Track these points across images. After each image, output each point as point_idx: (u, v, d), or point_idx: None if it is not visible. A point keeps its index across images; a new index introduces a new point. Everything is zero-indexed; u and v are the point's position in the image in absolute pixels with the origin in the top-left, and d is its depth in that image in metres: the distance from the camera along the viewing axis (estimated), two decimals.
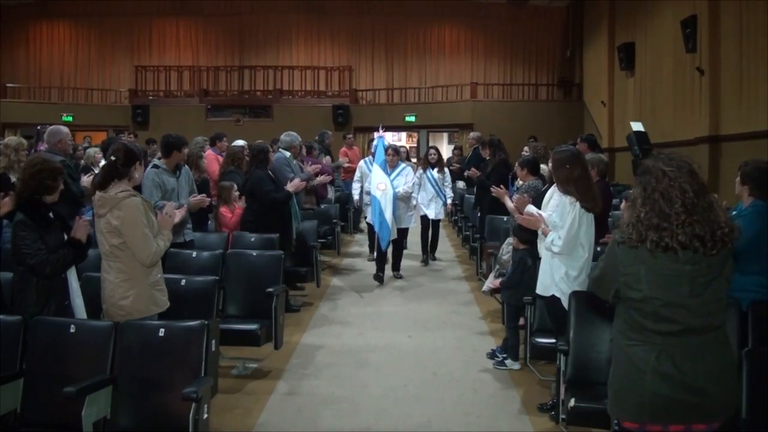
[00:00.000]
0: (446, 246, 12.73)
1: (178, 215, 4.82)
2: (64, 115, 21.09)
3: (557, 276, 4.94)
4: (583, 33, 21.51)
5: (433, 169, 10.97)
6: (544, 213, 5.28)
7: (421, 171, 10.99)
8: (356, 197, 11.18)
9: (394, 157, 9.91)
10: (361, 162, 11.27)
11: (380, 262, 9.67)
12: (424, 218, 11.04)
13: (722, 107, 11.60)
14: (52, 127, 7.25)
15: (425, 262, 11.14)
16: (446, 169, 11.35)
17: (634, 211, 2.95)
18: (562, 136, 15.93)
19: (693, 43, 12.34)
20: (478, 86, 22.21)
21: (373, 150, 10.31)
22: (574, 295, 4.73)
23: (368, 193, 10.02)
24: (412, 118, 22.20)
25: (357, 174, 11.13)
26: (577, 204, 4.83)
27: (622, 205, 2.97)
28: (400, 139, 25.75)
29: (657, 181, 2.91)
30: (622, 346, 3.01)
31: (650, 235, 2.86)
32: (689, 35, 12.38)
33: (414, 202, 10.57)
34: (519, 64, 23.70)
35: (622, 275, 2.95)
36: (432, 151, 11.35)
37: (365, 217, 10.88)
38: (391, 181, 9.59)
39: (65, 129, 7.21)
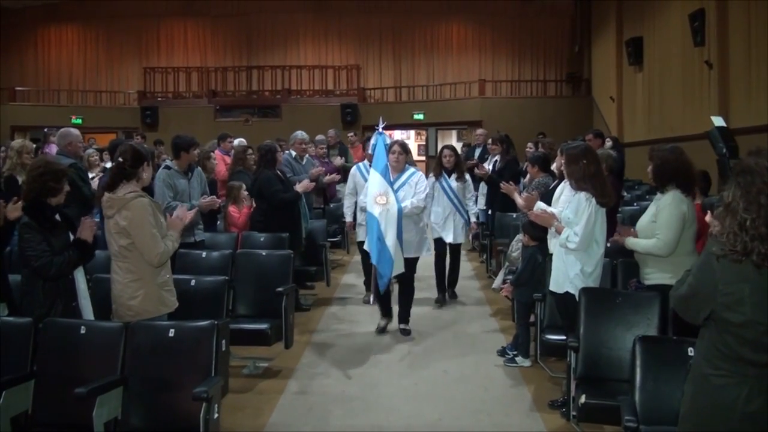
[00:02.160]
0: None
1: (189, 217, 4.83)
2: (74, 117, 21.15)
3: (572, 273, 4.92)
4: (591, 28, 21.43)
5: (449, 176, 8.25)
6: (555, 209, 5.28)
7: (432, 179, 8.23)
8: (348, 217, 8.32)
9: (401, 156, 7.17)
10: (354, 168, 8.49)
11: (383, 305, 7.31)
12: (439, 242, 8.30)
13: (731, 100, 11.54)
14: (62, 129, 7.28)
15: (440, 302, 8.32)
16: (468, 176, 8.56)
17: (734, 218, 2.52)
18: (571, 132, 15.86)
19: (701, 37, 12.28)
20: (487, 83, 22.13)
21: (371, 151, 7.59)
22: (584, 291, 4.73)
23: (363, 210, 7.31)
24: (421, 116, 22.16)
25: (349, 184, 8.27)
26: (593, 200, 4.83)
27: (709, 216, 2.63)
28: (408, 137, 25.67)
29: (763, 183, 2.50)
30: (707, 375, 2.61)
31: (757, 247, 2.46)
32: (697, 29, 12.32)
33: (426, 220, 7.90)
34: (527, 60, 23.63)
35: (722, 295, 2.53)
36: (446, 152, 8.35)
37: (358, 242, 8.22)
38: (395, 191, 6.82)
39: (75, 131, 7.23)
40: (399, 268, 6.66)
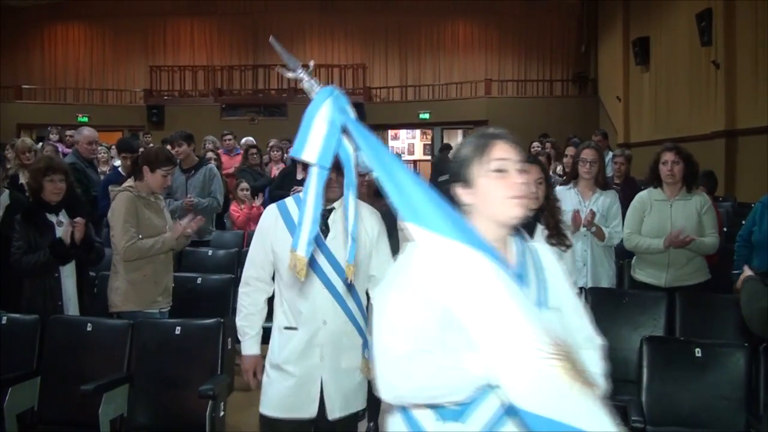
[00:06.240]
0: None
1: (186, 224, 4.80)
2: (80, 116, 21.17)
3: (613, 266, 5.13)
4: (598, 28, 21.37)
5: (531, 235, 3.43)
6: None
7: None
8: (249, 331, 3.56)
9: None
10: (272, 207, 3.19)
11: None
12: None
13: (738, 101, 11.49)
14: (81, 128, 7.30)
15: None
16: (569, 235, 4.05)
17: None
18: (577, 132, 15.83)
19: (708, 37, 12.23)
20: (493, 83, 22.07)
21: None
22: (591, 291, 4.73)
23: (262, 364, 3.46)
24: (426, 116, 22.11)
25: (256, 252, 3.19)
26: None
27: None
28: (414, 137, 25.66)
29: None
30: None
31: None
32: (704, 29, 12.27)
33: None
34: (533, 60, 23.56)
35: None
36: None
37: None
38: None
39: (87, 131, 7.04)
40: None
